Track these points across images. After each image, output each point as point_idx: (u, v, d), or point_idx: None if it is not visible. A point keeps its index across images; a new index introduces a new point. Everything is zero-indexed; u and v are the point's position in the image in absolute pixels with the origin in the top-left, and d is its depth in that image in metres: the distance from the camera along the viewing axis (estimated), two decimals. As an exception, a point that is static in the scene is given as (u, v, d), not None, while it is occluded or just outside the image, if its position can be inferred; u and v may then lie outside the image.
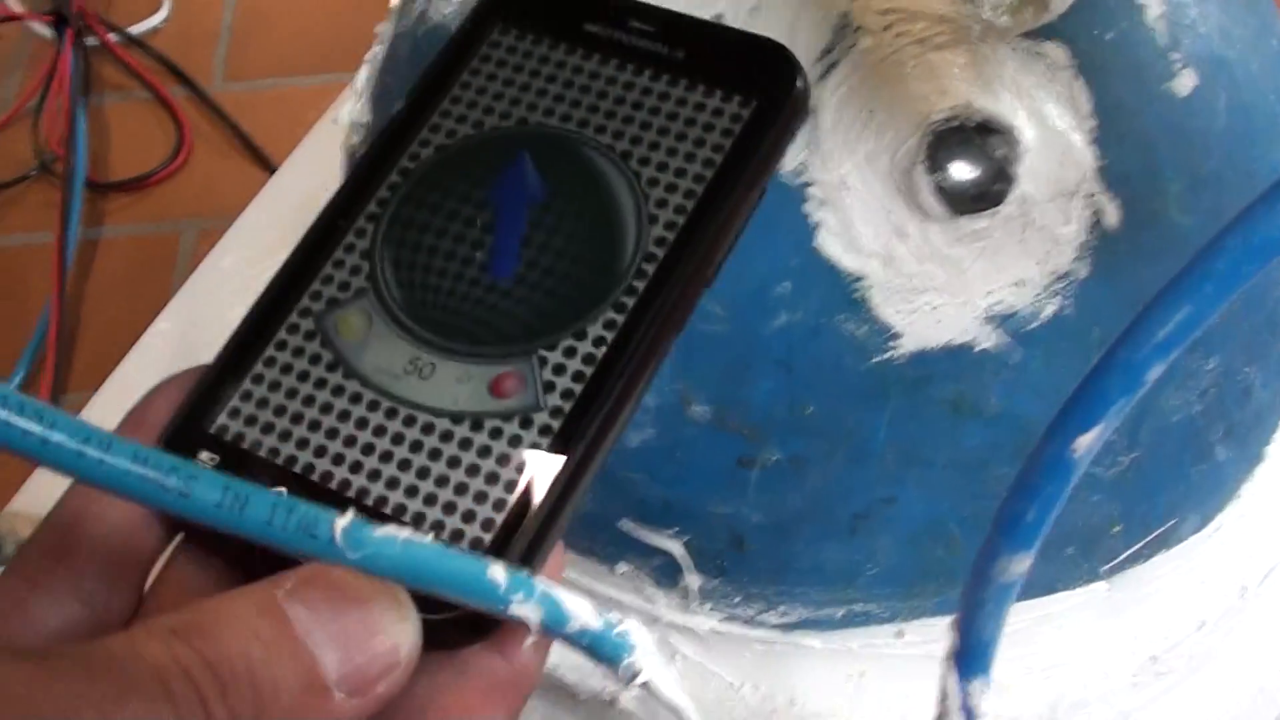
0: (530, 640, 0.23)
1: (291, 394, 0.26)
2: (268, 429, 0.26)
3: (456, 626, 0.23)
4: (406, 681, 0.22)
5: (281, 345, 0.27)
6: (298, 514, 0.21)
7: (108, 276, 0.82)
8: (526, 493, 0.24)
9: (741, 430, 0.38)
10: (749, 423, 0.38)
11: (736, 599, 0.41)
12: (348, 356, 0.26)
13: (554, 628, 0.23)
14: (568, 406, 0.25)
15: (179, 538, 0.25)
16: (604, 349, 0.26)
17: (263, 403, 0.26)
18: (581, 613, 0.23)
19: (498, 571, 0.22)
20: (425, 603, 0.22)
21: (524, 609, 0.22)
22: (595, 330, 0.26)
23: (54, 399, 0.76)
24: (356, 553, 0.21)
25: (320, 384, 0.26)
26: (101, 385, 0.53)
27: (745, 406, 0.38)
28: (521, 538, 0.24)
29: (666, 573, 0.41)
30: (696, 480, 0.39)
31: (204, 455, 0.25)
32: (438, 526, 0.24)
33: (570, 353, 0.26)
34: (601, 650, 0.24)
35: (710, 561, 0.40)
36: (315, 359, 0.26)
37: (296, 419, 0.26)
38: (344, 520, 0.21)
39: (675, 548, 0.40)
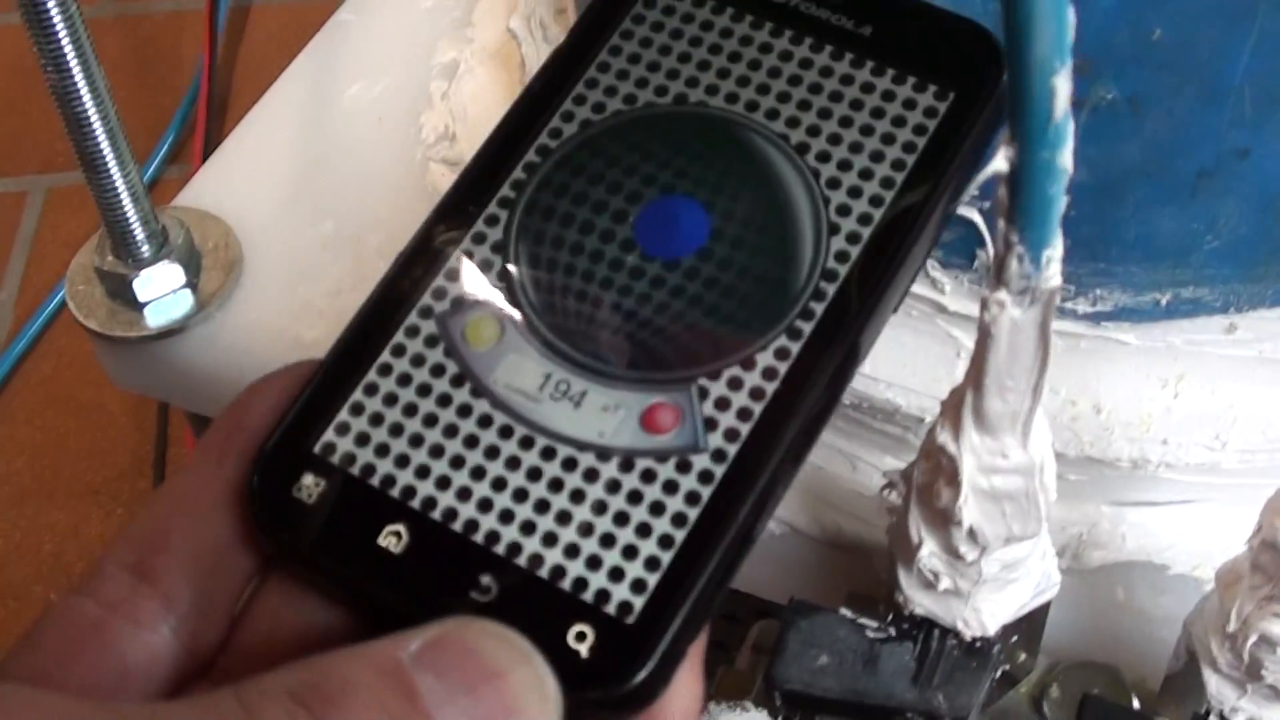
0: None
1: (410, 411, 0.23)
2: (381, 451, 0.22)
3: (601, 705, 0.20)
4: None
5: (399, 350, 0.23)
6: None
7: (258, 45, 0.80)
8: (685, 551, 0.21)
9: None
10: (1079, 52, 0.31)
11: (1040, 282, 0.35)
12: (475, 369, 0.23)
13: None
14: (732, 450, 0.22)
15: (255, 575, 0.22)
16: (775, 383, 0.22)
17: (376, 419, 0.23)
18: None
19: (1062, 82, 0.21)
20: (567, 678, 0.20)
21: (1064, 157, 0.21)
22: (765, 359, 0.22)
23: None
24: None
25: (443, 401, 0.23)
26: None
27: (1075, 31, 0.32)
28: (678, 603, 0.21)
29: (958, 250, 0.35)
30: (1007, 128, 0.33)
31: (308, 480, 0.22)
32: (580, 584, 0.21)
33: (735, 384, 0.22)
34: (1043, 234, 0.22)
35: (1014, 233, 0.34)
36: (437, 370, 0.23)
37: (415, 441, 0.22)
38: None
39: (974, 214, 0.34)
